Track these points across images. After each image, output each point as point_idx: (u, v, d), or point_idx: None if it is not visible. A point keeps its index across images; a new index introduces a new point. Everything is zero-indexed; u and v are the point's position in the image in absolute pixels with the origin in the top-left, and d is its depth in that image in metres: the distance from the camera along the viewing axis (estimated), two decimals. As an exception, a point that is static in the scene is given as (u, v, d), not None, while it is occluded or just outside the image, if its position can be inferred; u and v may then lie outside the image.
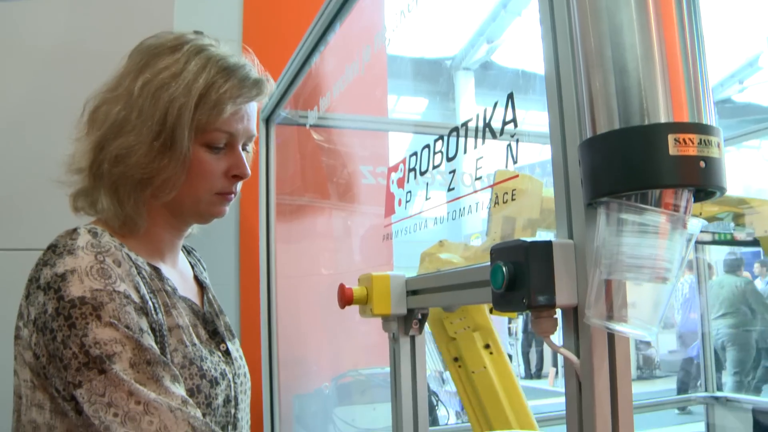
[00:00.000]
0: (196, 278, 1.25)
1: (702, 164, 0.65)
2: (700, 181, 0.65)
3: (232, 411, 1.10)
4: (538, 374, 10.87)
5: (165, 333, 1.00)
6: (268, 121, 2.62)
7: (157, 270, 1.08)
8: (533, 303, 0.72)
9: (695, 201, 0.70)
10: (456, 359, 1.61)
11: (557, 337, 0.79)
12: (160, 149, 1.04)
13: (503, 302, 0.76)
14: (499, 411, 1.56)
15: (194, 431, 0.90)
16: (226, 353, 1.14)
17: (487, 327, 1.57)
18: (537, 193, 1.56)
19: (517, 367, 11.27)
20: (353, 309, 1.25)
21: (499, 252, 0.78)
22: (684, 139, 0.65)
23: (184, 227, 1.18)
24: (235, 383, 1.12)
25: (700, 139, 0.65)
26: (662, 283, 0.68)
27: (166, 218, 1.13)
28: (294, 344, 3.03)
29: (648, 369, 9.67)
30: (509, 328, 11.26)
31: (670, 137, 0.65)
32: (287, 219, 3.02)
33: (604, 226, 0.70)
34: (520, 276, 0.74)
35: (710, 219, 2.12)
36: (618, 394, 0.73)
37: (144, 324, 0.96)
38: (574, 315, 0.75)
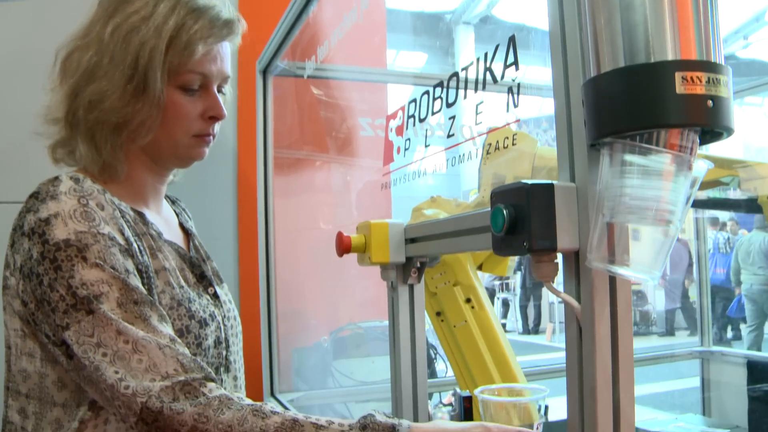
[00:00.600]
0: (182, 225, 1.25)
1: (710, 103, 0.63)
2: (708, 120, 0.63)
3: (224, 353, 1.11)
4: (536, 329, 10.96)
5: (151, 275, 1.00)
6: (265, 72, 2.58)
7: (140, 214, 1.08)
8: (534, 246, 0.71)
9: (701, 144, 0.69)
10: (438, 314, 1.61)
11: (558, 283, 0.78)
12: (134, 93, 1.03)
13: (503, 246, 0.75)
14: (480, 364, 1.56)
15: (183, 368, 0.90)
16: (215, 296, 1.14)
17: (467, 282, 1.57)
18: (530, 151, 1.55)
19: (515, 322, 11.36)
20: (351, 262, 1.24)
21: (499, 195, 0.76)
22: (692, 77, 0.63)
23: (165, 172, 1.17)
24: (225, 325, 1.13)
25: (708, 78, 0.63)
26: (665, 226, 0.66)
27: (146, 163, 1.12)
28: (293, 298, 3.04)
29: (644, 325, 9.74)
30: (507, 284, 11.33)
31: (677, 75, 0.63)
32: (285, 173, 2.99)
33: (608, 168, 0.68)
34: (520, 219, 0.72)
35: (714, 183, 2.09)
36: (619, 339, 0.73)
37: (130, 265, 0.96)
38: (575, 260, 0.74)
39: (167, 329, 0.94)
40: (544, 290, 10.82)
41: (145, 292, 0.95)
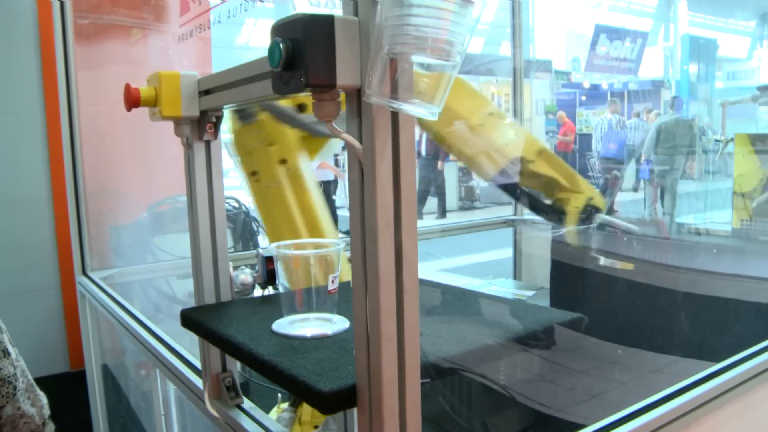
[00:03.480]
0: None
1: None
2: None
3: None
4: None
5: None
6: None
7: None
8: (310, 81, 0.67)
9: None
10: (254, 173, 1.57)
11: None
12: None
13: (281, 84, 0.70)
14: (291, 225, 1.55)
15: None
16: None
17: (283, 142, 1.53)
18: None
19: (344, 198, 11.51)
20: (167, 133, 1.15)
21: (277, 29, 0.70)
22: None
23: None
24: None
25: None
26: (445, 60, 0.64)
27: None
28: (104, 174, 2.87)
29: (469, 200, 10.21)
30: (336, 160, 11.41)
31: None
32: (91, 41, 2.76)
33: (388, -1, 0.64)
34: (298, 53, 0.67)
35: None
36: (401, 180, 0.71)
37: None
38: (357, 98, 0.70)
39: None
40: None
41: None
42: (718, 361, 1.38)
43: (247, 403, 1.20)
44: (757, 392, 1.39)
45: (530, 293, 3.11)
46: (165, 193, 3.01)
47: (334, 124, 0.72)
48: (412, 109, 0.66)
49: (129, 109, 1.09)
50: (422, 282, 1.26)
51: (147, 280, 2.88)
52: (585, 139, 13.62)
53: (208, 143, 1.13)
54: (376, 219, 0.70)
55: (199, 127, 1.11)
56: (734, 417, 1.37)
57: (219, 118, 1.10)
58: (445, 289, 1.30)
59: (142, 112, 1.13)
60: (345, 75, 0.68)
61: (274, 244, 1.06)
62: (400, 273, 0.74)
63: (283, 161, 1.56)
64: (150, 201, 3.03)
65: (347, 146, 0.71)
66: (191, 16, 1.23)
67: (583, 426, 1.14)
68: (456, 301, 1.24)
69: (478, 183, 10.30)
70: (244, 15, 1.47)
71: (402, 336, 0.75)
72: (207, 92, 1.06)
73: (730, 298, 1.94)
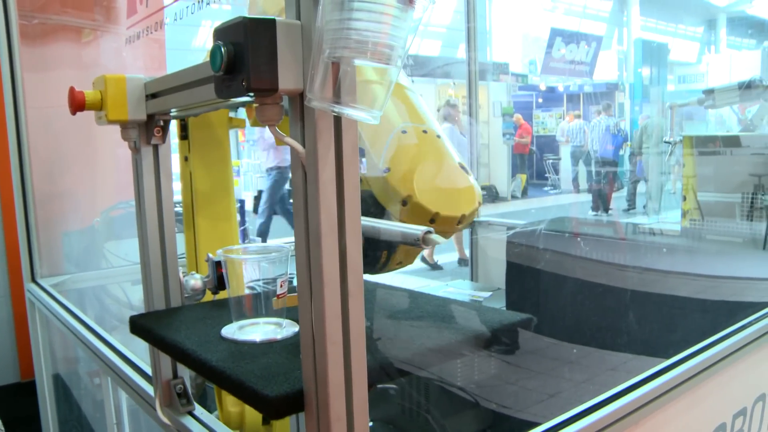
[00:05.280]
0: None
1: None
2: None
3: None
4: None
5: None
6: None
7: None
8: (252, 85, 0.66)
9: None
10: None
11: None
12: None
13: (223, 87, 0.70)
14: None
15: None
16: None
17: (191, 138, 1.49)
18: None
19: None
20: (118, 136, 1.13)
21: (220, 32, 0.70)
22: None
23: None
24: None
25: None
26: (386, 64, 0.64)
27: None
28: (56, 179, 2.82)
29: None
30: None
31: None
32: (38, 42, 2.71)
33: (329, 2, 0.64)
34: (240, 57, 0.67)
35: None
36: (344, 184, 0.71)
37: None
38: (300, 102, 0.70)
39: None
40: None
41: None
42: (670, 357, 1.41)
43: (198, 410, 1.19)
44: (704, 387, 1.42)
45: (487, 294, 3.13)
46: (118, 198, 2.97)
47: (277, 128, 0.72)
48: (353, 113, 0.66)
49: (74, 112, 1.07)
50: (377, 285, 1.27)
51: (100, 286, 2.84)
52: (542, 140, 13.79)
53: (156, 147, 1.12)
54: (320, 223, 0.70)
55: (147, 130, 1.09)
56: (682, 411, 1.40)
57: (167, 122, 1.09)
58: (399, 293, 1.30)
59: (91, 116, 1.12)
60: (287, 79, 0.68)
61: (219, 251, 1.05)
62: (345, 276, 0.74)
63: (186, 158, 1.52)
64: (103, 206, 2.99)
65: (291, 151, 0.71)
66: (138, 18, 1.21)
67: (537, 424, 1.16)
68: (410, 305, 1.25)
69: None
70: (195, 16, 1.46)
71: (348, 340, 0.75)
72: (154, 96, 1.05)
73: (679, 296, 1.98)
